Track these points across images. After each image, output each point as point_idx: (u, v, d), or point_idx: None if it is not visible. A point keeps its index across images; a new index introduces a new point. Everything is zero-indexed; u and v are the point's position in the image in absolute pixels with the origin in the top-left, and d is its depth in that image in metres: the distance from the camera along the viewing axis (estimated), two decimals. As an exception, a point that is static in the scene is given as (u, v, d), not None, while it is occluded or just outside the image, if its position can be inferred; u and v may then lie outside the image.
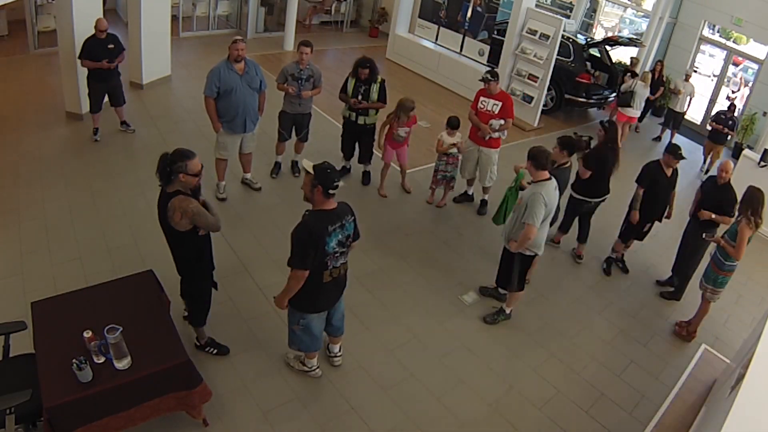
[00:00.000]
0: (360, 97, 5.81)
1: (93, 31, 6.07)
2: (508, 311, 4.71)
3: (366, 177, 6.54)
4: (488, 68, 6.42)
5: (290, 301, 3.33)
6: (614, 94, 9.38)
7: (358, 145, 6.31)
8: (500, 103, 5.75)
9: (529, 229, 4.04)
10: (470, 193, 6.49)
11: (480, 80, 5.79)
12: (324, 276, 3.26)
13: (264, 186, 6.10)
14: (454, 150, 5.94)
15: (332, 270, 3.29)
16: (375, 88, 5.83)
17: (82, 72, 6.56)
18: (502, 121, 5.77)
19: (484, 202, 6.38)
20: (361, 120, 5.98)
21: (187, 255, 3.42)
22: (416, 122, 6.05)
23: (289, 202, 5.94)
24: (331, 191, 3.12)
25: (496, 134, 5.84)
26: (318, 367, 3.86)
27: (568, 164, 4.92)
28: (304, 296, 3.30)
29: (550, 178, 4.12)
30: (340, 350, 4.00)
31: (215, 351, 3.90)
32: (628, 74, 8.86)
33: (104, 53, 6.07)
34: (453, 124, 5.86)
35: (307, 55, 5.57)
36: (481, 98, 5.84)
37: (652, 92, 9.10)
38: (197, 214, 3.19)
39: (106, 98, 6.44)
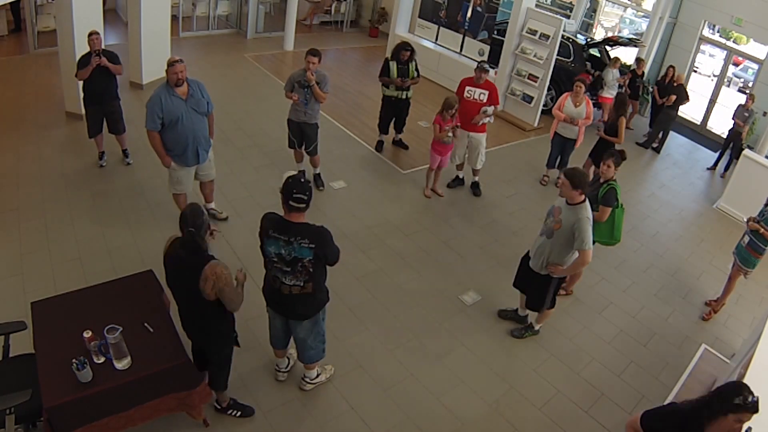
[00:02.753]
0: (402, 78, 6.66)
1: (87, 44, 5.52)
2: (537, 327, 4.58)
3: (401, 143, 7.49)
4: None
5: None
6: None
7: (395, 118, 7.15)
8: (487, 92, 6.21)
9: (586, 254, 3.89)
10: (461, 177, 6.82)
11: (476, 69, 6.20)
12: (267, 276, 3.24)
13: (270, 188, 6.10)
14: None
15: (273, 278, 3.18)
16: (412, 66, 6.71)
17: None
18: (493, 108, 6.29)
19: (476, 184, 6.76)
20: (403, 95, 6.86)
21: (212, 323, 3.07)
22: (458, 123, 6.11)
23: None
24: (291, 203, 2.94)
25: (487, 119, 6.28)
26: (280, 372, 3.81)
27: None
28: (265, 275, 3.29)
29: (585, 200, 3.90)
30: (316, 377, 3.74)
31: (239, 414, 3.50)
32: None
33: (97, 66, 5.49)
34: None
35: (314, 65, 5.45)
36: (467, 87, 6.22)
37: (661, 96, 9.11)
38: (228, 283, 2.86)
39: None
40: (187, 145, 4.67)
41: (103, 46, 5.72)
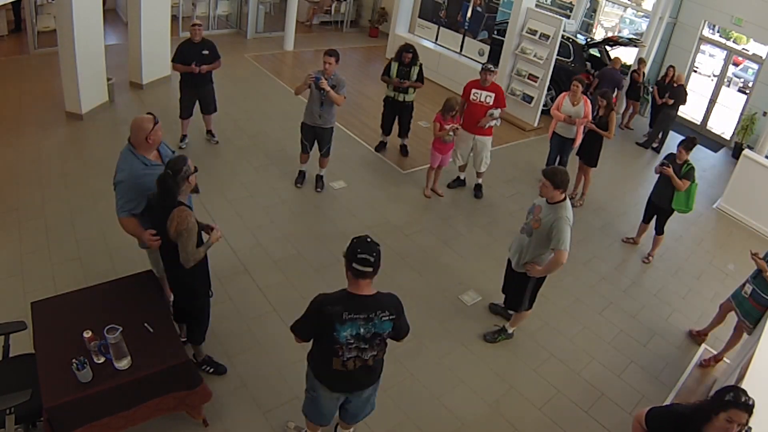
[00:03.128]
0: (401, 79, 6.61)
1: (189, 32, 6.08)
2: (510, 331, 4.52)
3: (403, 149, 7.32)
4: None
5: (308, 359, 2.93)
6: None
7: (397, 121, 7.05)
8: (493, 94, 6.12)
9: (560, 254, 3.75)
10: (462, 178, 6.80)
11: (481, 70, 6.10)
12: (333, 362, 2.71)
13: (270, 188, 6.10)
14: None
15: (345, 361, 2.69)
16: (415, 70, 6.62)
17: (83, 72, 6.57)
18: (500, 110, 6.18)
19: (479, 186, 6.73)
20: (401, 98, 6.76)
21: (184, 271, 3.17)
22: (459, 122, 6.16)
23: (290, 204, 5.94)
24: (355, 266, 2.51)
25: (494, 122, 6.21)
26: None
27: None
28: (317, 358, 2.85)
29: (565, 198, 3.84)
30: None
31: (212, 370, 3.74)
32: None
33: (196, 58, 6.00)
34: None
35: (331, 65, 5.42)
36: (473, 90, 6.17)
37: (661, 96, 9.06)
38: (189, 231, 2.99)
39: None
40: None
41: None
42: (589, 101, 6.59)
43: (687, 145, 5.50)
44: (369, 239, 2.57)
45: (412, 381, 4.04)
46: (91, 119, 6.88)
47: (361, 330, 2.62)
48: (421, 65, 6.68)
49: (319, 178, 6.24)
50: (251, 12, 11.09)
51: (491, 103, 6.12)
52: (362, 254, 2.51)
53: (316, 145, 5.96)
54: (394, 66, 6.61)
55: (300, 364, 3.92)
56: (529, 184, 7.24)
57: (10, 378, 2.93)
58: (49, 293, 3.48)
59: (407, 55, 6.54)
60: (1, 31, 9.15)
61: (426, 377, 4.09)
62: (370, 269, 2.53)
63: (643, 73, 9.63)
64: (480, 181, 6.69)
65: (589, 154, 6.61)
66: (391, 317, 2.68)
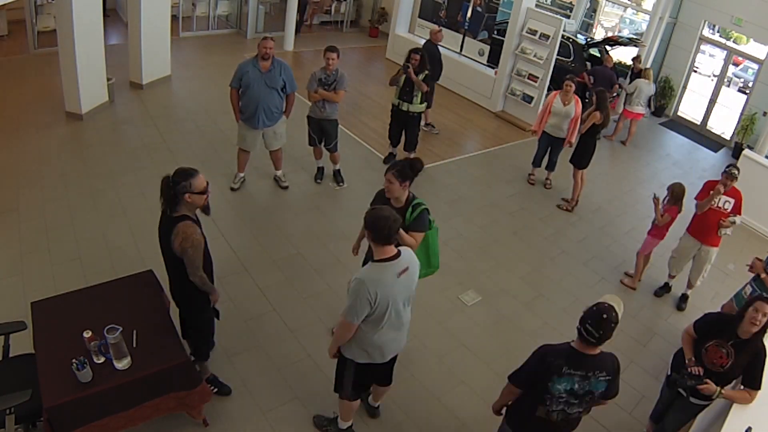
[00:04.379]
0: (405, 88, 6.33)
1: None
2: (344, 426, 3.48)
3: None
4: (731, 165, 5.24)
5: (507, 411, 2.95)
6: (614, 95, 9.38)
7: (404, 133, 6.71)
8: (732, 201, 5.13)
9: (342, 324, 2.87)
10: (671, 284, 5.74)
11: (724, 173, 5.08)
12: (538, 409, 2.74)
13: (270, 187, 6.11)
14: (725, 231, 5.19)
15: (550, 412, 2.73)
16: (420, 77, 6.29)
17: (83, 72, 6.57)
18: (739, 218, 5.19)
19: (685, 297, 5.59)
20: (405, 107, 6.41)
21: (188, 284, 3.12)
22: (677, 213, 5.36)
23: (290, 203, 5.95)
24: (583, 331, 2.56)
25: (728, 231, 5.22)
26: None
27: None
28: (520, 406, 2.85)
29: (396, 256, 2.84)
30: None
31: (215, 390, 3.58)
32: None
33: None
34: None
35: (333, 60, 5.50)
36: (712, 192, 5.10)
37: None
38: (195, 247, 2.95)
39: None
40: (253, 109, 5.41)
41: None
42: (580, 102, 6.53)
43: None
44: (605, 315, 2.52)
45: (412, 381, 4.04)
46: (91, 119, 6.88)
47: (576, 386, 2.66)
48: (428, 75, 6.38)
49: (337, 173, 6.42)
50: (251, 12, 11.08)
51: (729, 210, 5.11)
52: (590, 327, 2.54)
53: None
54: (402, 76, 6.35)
55: (300, 364, 3.95)
56: (530, 184, 7.24)
57: (10, 378, 2.93)
58: (49, 293, 3.47)
59: (415, 56, 6.18)
60: (1, 31, 9.15)
61: (426, 377, 4.09)
62: (594, 341, 2.56)
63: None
64: (689, 292, 5.57)
65: (580, 157, 6.56)
66: (607, 378, 2.69)
